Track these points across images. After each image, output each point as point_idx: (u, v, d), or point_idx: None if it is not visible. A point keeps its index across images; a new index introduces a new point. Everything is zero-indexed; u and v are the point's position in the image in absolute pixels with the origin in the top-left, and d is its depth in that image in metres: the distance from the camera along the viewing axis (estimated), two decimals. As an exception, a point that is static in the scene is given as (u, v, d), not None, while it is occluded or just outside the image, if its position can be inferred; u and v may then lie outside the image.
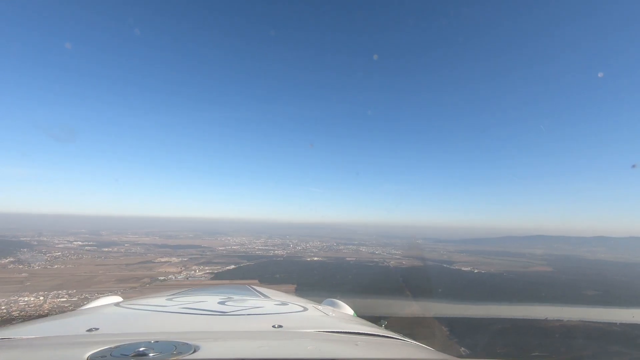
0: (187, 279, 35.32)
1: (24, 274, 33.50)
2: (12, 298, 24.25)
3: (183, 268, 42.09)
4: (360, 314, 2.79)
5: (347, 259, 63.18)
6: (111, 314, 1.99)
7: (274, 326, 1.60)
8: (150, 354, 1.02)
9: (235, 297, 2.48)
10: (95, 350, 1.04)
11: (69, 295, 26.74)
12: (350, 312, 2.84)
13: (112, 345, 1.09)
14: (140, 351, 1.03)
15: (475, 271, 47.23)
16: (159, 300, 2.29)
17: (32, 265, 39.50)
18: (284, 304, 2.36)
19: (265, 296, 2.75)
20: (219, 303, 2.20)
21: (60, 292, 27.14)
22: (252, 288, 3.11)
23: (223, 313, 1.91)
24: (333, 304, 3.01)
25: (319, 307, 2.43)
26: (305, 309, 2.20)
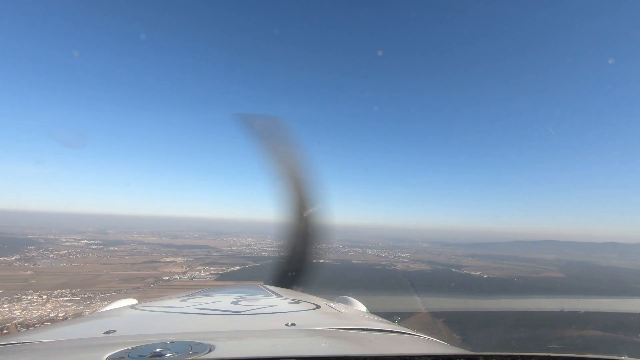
0: (192, 279, 34.92)
1: (29, 272, 33.46)
2: (15, 296, 24.05)
3: (188, 268, 41.74)
4: (372, 312, 2.75)
5: (354, 261, 62.33)
6: (127, 316, 2.03)
7: (287, 324, 1.58)
8: (167, 355, 1.03)
9: (248, 297, 2.48)
10: (113, 352, 1.05)
11: (72, 294, 26.50)
12: (363, 308, 2.85)
13: (129, 347, 1.10)
14: (157, 352, 1.05)
15: (485, 276, 46.16)
16: (173, 302, 2.33)
17: (37, 263, 39.53)
18: (296, 302, 2.38)
19: (277, 295, 2.75)
20: (232, 303, 2.19)
21: (63, 291, 26.92)
22: (265, 287, 3.11)
23: (237, 312, 1.91)
24: (345, 301, 3.00)
25: (332, 304, 2.43)
26: (318, 307, 2.19)
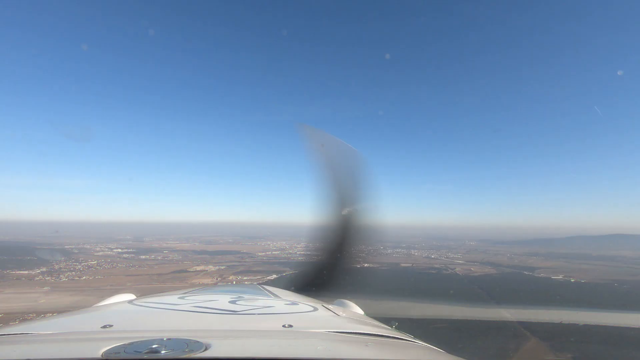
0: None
1: (46, 288, 30.13)
2: (16, 320, 20.05)
3: (219, 278, 37.21)
4: (372, 316, 2.58)
5: (402, 264, 55.53)
6: (125, 311, 2.00)
7: (284, 326, 1.57)
8: (163, 351, 1.05)
9: (246, 297, 2.41)
10: (110, 347, 1.07)
11: None
12: (361, 312, 2.77)
13: (126, 342, 1.12)
14: (153, 348, 1.06)
15: (572, 280, 37.76)
16: (171, 299, 2.28)
17: (61, 276, 36.64)
18: (294, 303, 2.33)
19: (275, 296, 2.63)
20: (230, 302, 2.16)
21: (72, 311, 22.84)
22: (263, 287, 2.98)
23: (234, 312, 1.90)
24: (343, 304, 2.88)
25: (330, 307, 2.34)
26: (316, 309, 2.15)
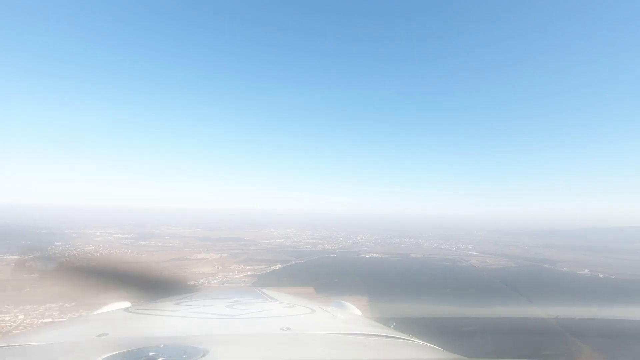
0: (223, 284, 27.57)
1: (34, 275, 27.84)
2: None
3: (220, 267, 34.79)
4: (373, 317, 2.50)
5: (413, 255, 53.09)
6: (120, 319, 1.96)
7: (282, 329, 1.56)
8: (160, 359, 1.04)
9: (243, 301, 2.39)
10: (106, 356, 1.05)
11: (61, 310, 20.20)
12: (358, 313, 2.72)
13: (122, 350, 1.10)
14: (150, 356, 1.06)
15: (601, 276, 34.92)
16: (167, 305, 2.26)
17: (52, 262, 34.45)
18: (291, 306, 2.30)
19: (272, 299, 2.61)
20: (227, 307, 2.11)
21: (53, 305, 20.73)
22: (260, 291, 2.95)
23: (231, 316, 1.87)
24: (341, 306, 2.82)
25: (327, 308, 2.33)
26: (313, 311, 2.12)
